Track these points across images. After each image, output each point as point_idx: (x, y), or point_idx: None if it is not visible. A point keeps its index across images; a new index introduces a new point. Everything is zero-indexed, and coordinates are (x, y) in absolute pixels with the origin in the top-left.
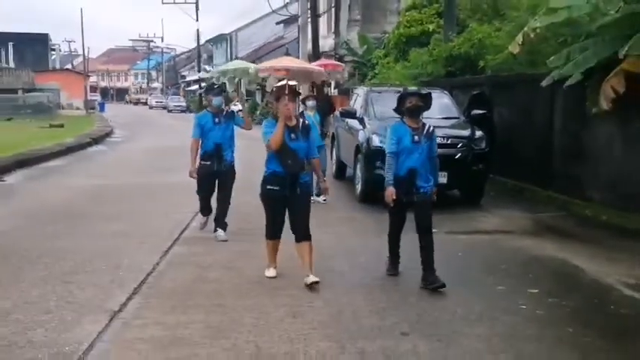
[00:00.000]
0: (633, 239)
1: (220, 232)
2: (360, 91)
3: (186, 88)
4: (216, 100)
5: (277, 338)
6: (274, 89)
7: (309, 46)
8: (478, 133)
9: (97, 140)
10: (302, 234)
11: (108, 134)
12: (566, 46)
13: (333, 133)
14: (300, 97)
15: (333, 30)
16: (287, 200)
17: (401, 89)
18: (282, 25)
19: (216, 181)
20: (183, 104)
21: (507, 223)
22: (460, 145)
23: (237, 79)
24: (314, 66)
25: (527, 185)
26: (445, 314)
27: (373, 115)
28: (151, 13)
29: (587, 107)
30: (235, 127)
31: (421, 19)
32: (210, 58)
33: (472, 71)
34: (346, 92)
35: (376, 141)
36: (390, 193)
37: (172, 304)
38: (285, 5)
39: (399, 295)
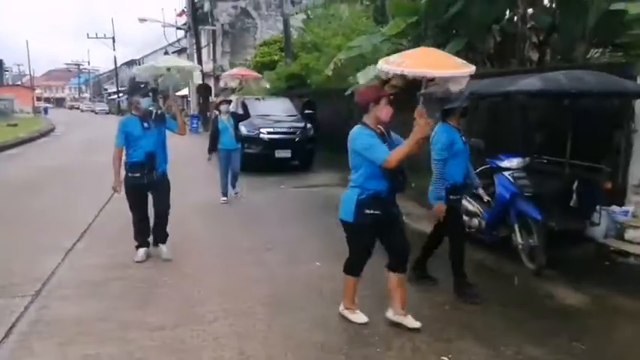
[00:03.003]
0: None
1: (163, 247)
2: (233, 99)
3: (109, 97)
4: (145, 102)
5: (188, 261)
6: (368, 89)
7: None
8: (308, 125)
9: (44, 134)
10: (402, 262)
11: (52, 130)
12: (359, 70)
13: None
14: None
15: (212, 57)
16: (383, 226)
17: (260, 97)
18: (176, 53)
19: (148, 195)
20: (107, 108)
21: (329, 179)
22: (298, 132)
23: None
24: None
25: (340, 155)
26: (295, 236)
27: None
28: (80, 43)
29: None
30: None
31: (269, 52)
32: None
33: (303, 86)
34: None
35: (244, 130)
36: (441, 209)
37: (110, 242)
38: (178, 40)
39: (264, 225)
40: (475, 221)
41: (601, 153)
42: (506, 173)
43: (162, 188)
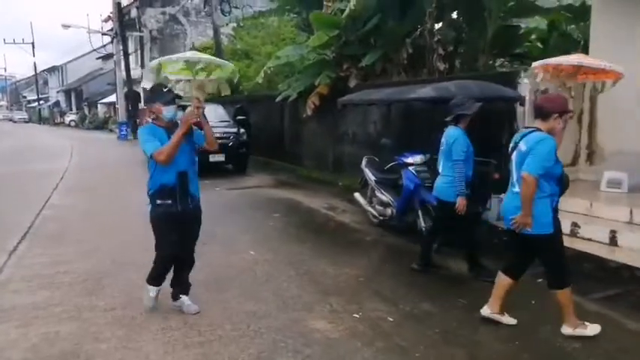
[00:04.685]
0: (326, 185)
1: (185, 299)
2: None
3: (28, 105)
4: (169, 112)
5: (127, 255)
6: (559, 98)
7: (124, 74)
8: (241, 130)
9: None
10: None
11: None
12: (288, 78)
13: None
14: None
15: (140, 64)
16: None
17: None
18: (101, 59)
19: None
20: (26, 116)
21: (261, 181)
22: (231, 137)
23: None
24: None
25: (271, 160)
26: (230, 231)
27: None
28: None
29: (300, 113)
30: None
31: None
32: (45, 83)
33: (235, 92)
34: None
35: None
36: (464, 203)
37: (50, 243)
38: (104, 46)
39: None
40: (388, 210)
41: (490, 149)
42: (410, 168)
43: (196, 223)
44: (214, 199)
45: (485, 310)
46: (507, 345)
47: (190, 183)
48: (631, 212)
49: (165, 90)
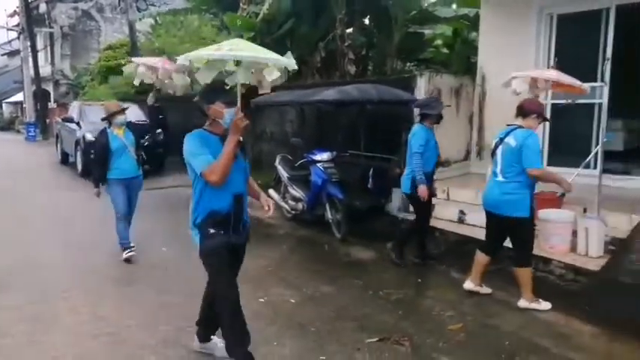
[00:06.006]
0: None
1: (218, 340)
2: (75, 104)
3: None
4: (231, 115)
5: (36, 255)
6: (540, 104)
7: (32, 72)
8: (158, 130)
9: None
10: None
11: None
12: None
13: (57, 133)
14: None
15: (50, 61)
16: None
17: (104, 103)
18: (6, 56)
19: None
20: None
21: (179, 181)
22: (148, 137)
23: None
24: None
25: None
26: (145, 230)
27: (86, 120)
28: None
29: None
30: None
31: (115, 56)
32: None
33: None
34: (64, 105)
35: (89, 137)
36: (426, 190)
37: None
38: (9, 42)
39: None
40: (300, 205)
41: (392, 146)
42: (319, 164)
43: (243, 253)
44: None
45: (469, 284)
46: (391, 315)
47: (245, 206)
48: None
49: (227, 88)
